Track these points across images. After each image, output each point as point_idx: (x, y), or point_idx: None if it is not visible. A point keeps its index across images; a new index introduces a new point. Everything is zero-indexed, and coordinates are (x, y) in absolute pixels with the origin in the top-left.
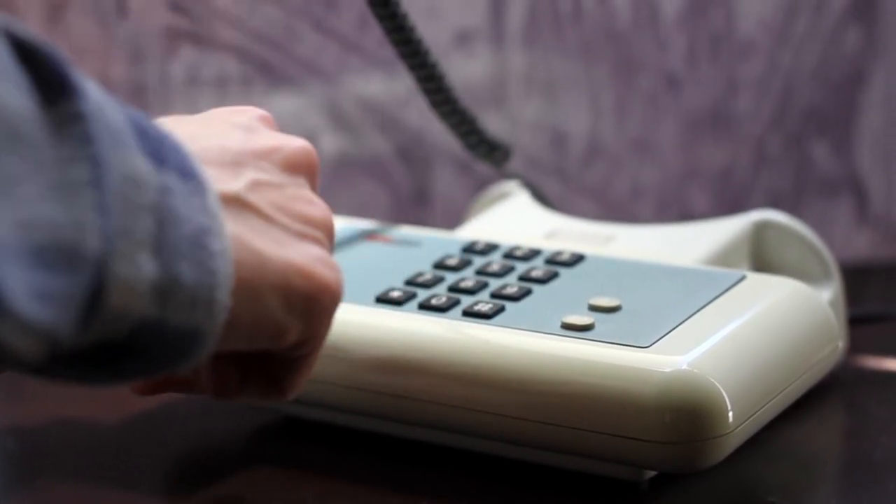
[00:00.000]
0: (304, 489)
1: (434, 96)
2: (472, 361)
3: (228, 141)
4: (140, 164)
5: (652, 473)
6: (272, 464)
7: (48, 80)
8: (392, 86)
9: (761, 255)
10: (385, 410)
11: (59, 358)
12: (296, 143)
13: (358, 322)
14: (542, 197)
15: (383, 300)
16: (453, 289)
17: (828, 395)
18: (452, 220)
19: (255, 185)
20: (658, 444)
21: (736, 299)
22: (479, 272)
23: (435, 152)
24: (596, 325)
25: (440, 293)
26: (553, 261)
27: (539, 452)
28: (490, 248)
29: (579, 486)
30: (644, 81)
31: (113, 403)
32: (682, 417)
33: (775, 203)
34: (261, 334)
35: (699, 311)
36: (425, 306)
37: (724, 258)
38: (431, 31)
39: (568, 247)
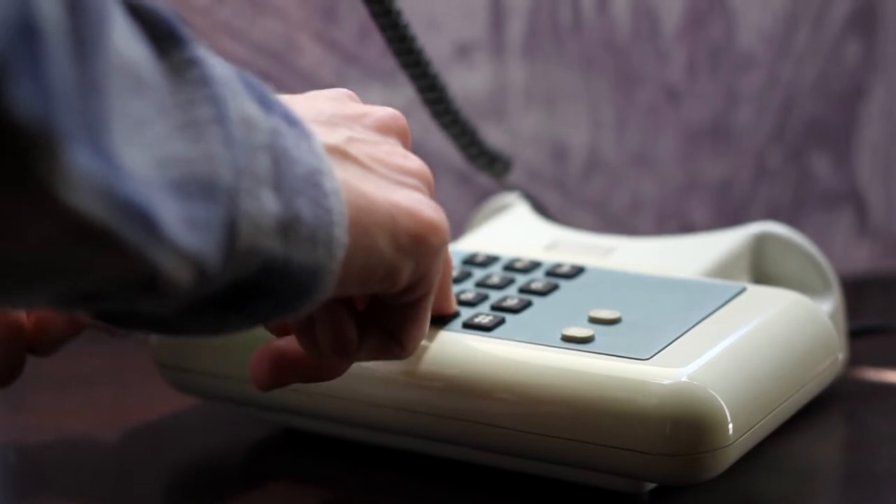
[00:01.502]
0: (305, 502)
1: (435, 107)
2: (472, 374)
3: (321, 107)
4: (251, 107)
5: (652, 485)
6: (272, 477)
7: (159, 33)
8: (392, 97)
9: (761, 268)
10: (385, 423)
11: (193, 305)
12: (385, 110)
13: None
14: (542, 209)
15: None
16: None
17: (828, 407)
18: (453, 231)
19: (352, 140)
20: (658, 456)
21: (736, 312)
22: (480, 284)
23: (435, 163)
24: (596, 337)
25: None
26: (553, 273)
27: (539, 464)
28: (490, 260)
29: (579, 498)
30: (644, 94)
31: (113, 416)
32: (682, 429)
33: (775, 215)
34: (374, 276)
35: (699, 324)
36: None
37: (724, 270)
38: (432, 44)
39: (568, 259)
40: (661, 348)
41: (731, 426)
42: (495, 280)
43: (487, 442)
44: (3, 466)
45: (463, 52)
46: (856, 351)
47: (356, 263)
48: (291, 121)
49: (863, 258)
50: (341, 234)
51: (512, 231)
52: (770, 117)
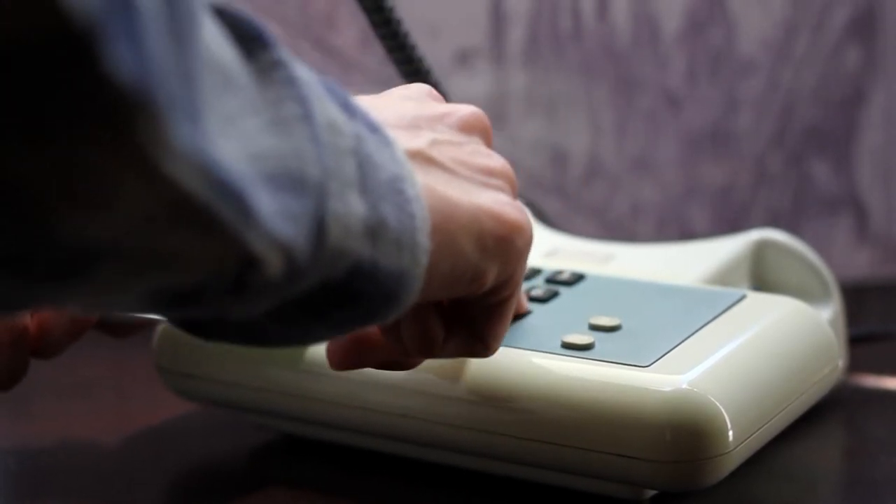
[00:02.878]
0: None
1: None
2: (472, 380)
3: (403, 109)
4: (334, 111)
5: (652, 492)
6: (272, 483)
7: (245, 35)
8: None
9: (761, 274)
10: (385, 429)
11: (281, 310)
12: (467, 108)
13: None
14: (542, 215)
15: None
16: None
17: (828, 413)
18: None
19: (435, 143)
20: (658, 463)
21: (736, 318)
22: None
23: None
24: (596, 344)
25: None
26: (553, 280)
27: (539, 471)
28: None
29: None
30: (644, 100)
31: (114, 422)
32: (682, 436)
33: (775, 221)
34: (460, 279)
35: (699, 331)
36: None
37: (724, 277)
38: (432, 51)
39: (568, 266)
40: (661, 355)
41: (731, 433)
42: None
43: (487, 449)
44: (5, 473)
45: (463, 59)
46: (856, 357)
47: (442, 268)
48: (373, 127)
49: (863, 264)
50: (424, 240)
51: None
52: (770, 123)
